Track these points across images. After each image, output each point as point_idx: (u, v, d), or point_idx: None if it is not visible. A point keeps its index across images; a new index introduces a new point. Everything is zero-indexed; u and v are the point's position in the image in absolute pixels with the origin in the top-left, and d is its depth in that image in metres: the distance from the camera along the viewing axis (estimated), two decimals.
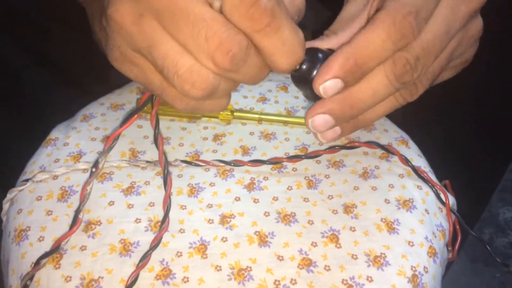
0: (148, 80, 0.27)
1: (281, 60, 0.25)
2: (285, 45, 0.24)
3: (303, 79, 0.30)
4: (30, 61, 0.49)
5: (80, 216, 0.33)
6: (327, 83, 0.28)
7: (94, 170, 0.32)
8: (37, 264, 0.32)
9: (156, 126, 0.31)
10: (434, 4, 0.28)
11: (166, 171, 0.33)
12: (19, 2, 0.46)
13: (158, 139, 0.32)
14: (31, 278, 0.32)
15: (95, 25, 0.29)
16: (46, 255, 0.33)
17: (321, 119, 0.29)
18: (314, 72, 0.29)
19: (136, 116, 0.30)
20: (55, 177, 0.39)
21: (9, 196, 0.38)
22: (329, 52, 0.30)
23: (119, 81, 0.49)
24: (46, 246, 0.34)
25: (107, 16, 0.25)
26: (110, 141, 0.31)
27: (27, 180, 0.38)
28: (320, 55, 0.30)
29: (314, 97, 0.31)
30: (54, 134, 0.43)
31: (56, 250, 0.33)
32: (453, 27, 0.29)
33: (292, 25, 0.24)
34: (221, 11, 0.24)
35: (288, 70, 0.27)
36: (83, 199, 0.33)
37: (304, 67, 0.29)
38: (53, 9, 0.47)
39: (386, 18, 0.26)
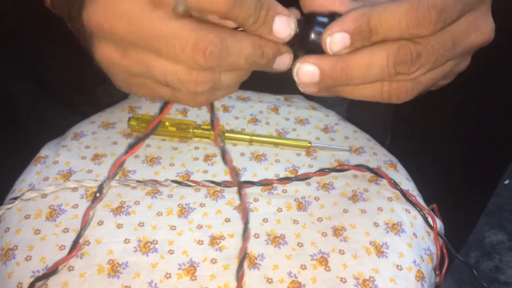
0: (158, 93, 0.28)
1: (250, 23, 0.26)
2: (244, 10, 0.25)
3: (297, 41, 0.29)
4: (21, 78, 0.49)
5: (81, 241, 0.33)
6: (336, 35, 0.27)
7: (98, 195, 0.32)
8: (32, 286, 0.32)
9: (223, 145, 0.32)
10: (458, 14, 0.28)
11: (239, 185, 0.33)
12: (13, 19, 0.46)
13: (226, 159, 0.32)
14: None
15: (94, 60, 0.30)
16: (41, 278, 0.32)
17: (308, 70, 0.28)
18: (312, 35, 0.28)
19: (142, 143, 0.31)
20: (44, 196, 0.38)
21: None
22: (330, 14, 0.29)
23: (110, 100, 0.50)
24: (34, 266, 0.33)
25: (98, 59, 0.27)
26: (115, 167, 0.31)
27: (15, 198, 0.38)
28: (319, 18, 0.29)
29: None
30: (44, 152, 0.43)
31: (53, 273, 0.32)
32: (458, 47, 0.29)
33: None
34: (187, 12, 0.25)
35: (264, 24, 0.26)
36: (85, 224, 0.33)
37: (298, 29, 0.29)
38: (46, 27, 0.47)
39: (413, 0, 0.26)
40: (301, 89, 0.30)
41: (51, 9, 0.37)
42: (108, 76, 0.29)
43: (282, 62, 0.29)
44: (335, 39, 0.27)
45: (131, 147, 0.30)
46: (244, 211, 0.33)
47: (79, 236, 0.33)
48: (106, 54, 0.27)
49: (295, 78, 0.29)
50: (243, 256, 0.33)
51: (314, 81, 0.28)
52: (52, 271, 0.32)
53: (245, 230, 0.33)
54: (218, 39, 0.25)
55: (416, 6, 0.26)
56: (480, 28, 0.30)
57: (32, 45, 0.49)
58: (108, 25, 0.25)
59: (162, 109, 0.30)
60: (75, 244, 0.33)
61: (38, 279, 0.32)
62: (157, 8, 0.25)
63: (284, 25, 0.27)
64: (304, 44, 0.29)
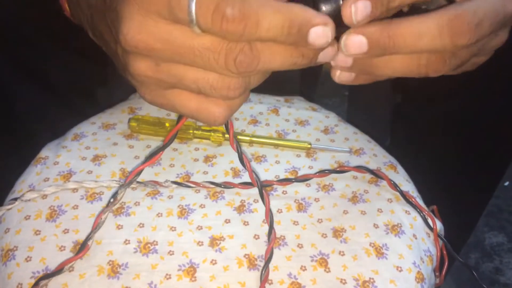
0: (183, 107, 0.29)
1: (282, 40, 0.25)
2: (271, 29, 0.25)
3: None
4: (22, 79, 0.50)
5: (89, 243, 0.33)
6: (359, 3, 0.26)
7: (112, 200, 0.33)
8: (36, 285, 0.32)
9: (238, 148, 0.33)
10: None
11: (260, 187, 0.34)
12: (15, 20, 0.46)
13: (243, 160, 0.33)
14: None
15: (122, 74, 0.31)
16: (46, 276, 0.32)
17: (357, 40, 0.27)
18: (326, 7, 0.27)
19: (161, 153, 0.32)
20: (44, 196, 0.38)
21: None
22: None
23: (110, 101, 0.50)
24: (34, 266, 0.33)
25: (130, 73, 0.28)
26: (132, 176, 0.32)
27: (15, 199, 0.38)
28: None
29: None
30: (44, 152, 0.43)
31: (58, 272, 0.33)
32: (500, 15, 0.28)
33: (271, 8, 0.25)
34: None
35: (298, 39, 0.25)
36: (96, 227, 0.33)
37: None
38: (47, 29, 0.47)
39: None
40: (338, 79, 0.30)
41: (71, 18, 0.38)
42: (137, 89, 0.30)
43: (327, 54, 0.28)
44: (359, 7, 0.26)
45: (150, 157, 0.32)
46: (268, 213, 0.35)
47: (88, 238, 0.33)
48: (141, 69, 0.27)
49: (343, 49, 0.28)
50: (269, 257, 0.34)
51: (362, 51, 0.27)
52: (57, 271, 0.33)
53: (270, 231, 0.34)
54: (248, 48, 0.25)
55: None
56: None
57: (34, 46, 0.49)
58: (143, 44, 0.26)
59: (179, 118, 0.31)
60: (83, 246, 0.33)
61: (43, 277, 0.32)
62: (184, 25, 0.25)
63: (319, 36, 0.26)
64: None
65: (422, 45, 0.27)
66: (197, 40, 0.25)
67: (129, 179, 0.32)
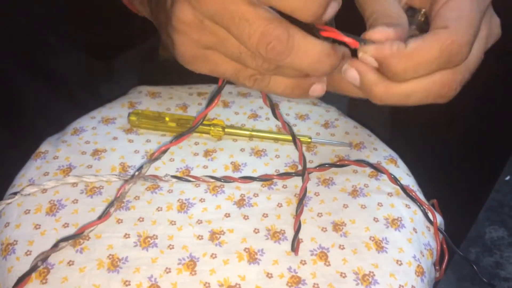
0: (222, 70, 0.29)
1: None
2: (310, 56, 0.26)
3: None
4: (25, 73, 0.49)
5: (111, 210, 0.34)
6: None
7: (137, 173, 0.34)
8: (55, 246, 0.33)
9: (270, 103, 0.34)
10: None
11: (293, 135, 0.37)
12: (19, 13, 0.46)
13: (276, 113, 0.35)
14: (44, 259, 0.33)
15: (163, 35, 0.31)
16: (67, 238, 0.33)
17: (353, 74, 0.29)
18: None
19: (189, 135, 0.32)
20: (44, 191, 0.38)
21: None
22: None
23: (111, 95, 0.50)
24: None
25: (173, 26, 0.28)
26: (158, 153, 0.33)
27: (15, 193, 0.38)
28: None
29: None
30: (44, 147, 0.43)
31: (79, 235, 0.34)
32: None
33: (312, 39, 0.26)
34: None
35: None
36: (119, 196, 0.34)
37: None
38: (51, 22, 0.47)
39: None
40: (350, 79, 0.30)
41: None
42: (176, 48, 0.29)
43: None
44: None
45: (177, 137, 0.32)
46: (301, 156, 0.38)
47: (111, 205, 0.34)
48: (186, 16, 0.27)
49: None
50: (304, 194, 0.37)
51: (374, 65, 0.28)
52: (78, 234, 0.34)
53: (304, 172, 0.38)
54: (286, 37, 0.25)
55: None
56: (493, 29, 0.31)
57: (37, 41, 0.49)
58: None
59: (209, 103, 0.31)
60: (105, 212, 0.34)
61: (63, 239, 0.33)
62: None
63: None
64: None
65: (420, 72, 0.28)
66: (243, 8, 0.25)
67: (155, 156, 0.33)
